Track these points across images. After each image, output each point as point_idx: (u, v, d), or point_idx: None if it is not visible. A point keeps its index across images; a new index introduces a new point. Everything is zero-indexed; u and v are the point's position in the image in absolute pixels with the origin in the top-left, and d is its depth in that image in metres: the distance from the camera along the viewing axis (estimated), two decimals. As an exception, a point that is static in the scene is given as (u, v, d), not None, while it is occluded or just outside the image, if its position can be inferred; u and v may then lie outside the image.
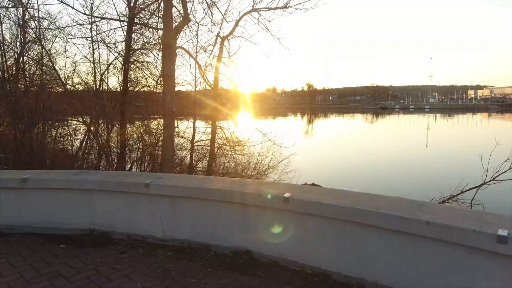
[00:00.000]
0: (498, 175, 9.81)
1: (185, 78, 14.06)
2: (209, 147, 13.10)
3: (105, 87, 13.46)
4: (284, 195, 3.12)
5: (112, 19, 11.63)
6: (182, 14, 9.43)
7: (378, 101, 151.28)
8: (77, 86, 14.36)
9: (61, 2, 10.54)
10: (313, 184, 16.04)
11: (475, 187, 10.25)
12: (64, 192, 4.14)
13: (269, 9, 11.73)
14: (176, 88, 13.66)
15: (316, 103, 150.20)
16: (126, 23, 11.64)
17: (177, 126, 12.26)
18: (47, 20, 11.49)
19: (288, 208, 3.12)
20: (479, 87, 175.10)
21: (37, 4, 11.50)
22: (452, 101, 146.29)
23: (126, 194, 3.93)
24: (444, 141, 39.30)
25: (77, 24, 11.54)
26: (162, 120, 14.43)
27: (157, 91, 13.09)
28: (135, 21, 11.85)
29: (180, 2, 9.41)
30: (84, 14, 11.10)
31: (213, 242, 3.64)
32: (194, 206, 3.68)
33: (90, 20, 11.53)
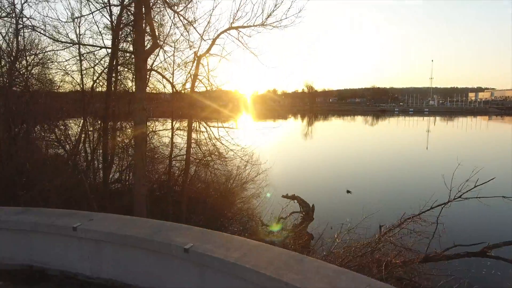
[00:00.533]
0: (462, 194, 10.18)
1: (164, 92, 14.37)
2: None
3: (93, 97, 13.91)
4: (184, 247, 3.44)
5: (96, 46, 12.22)
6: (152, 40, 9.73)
7: (378, 103, 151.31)
8: (66, 95, 14.88)
9: (46, 35, 11.00)
10: (293, 196, 16.39)
11: (441, 205, 10.61)
12: (5, 231, 4.48)
13: (246, 27, 11.98)
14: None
15: (316, 105, 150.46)
16: (110, 48, 12.20)
17: (152, 144, 12.59)
18: (40, 28, 11.90)
19: (188, 258, 3.44)
20: (480, 89, 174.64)
21: (22, 18, 11.82)
22: (452, 103, 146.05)
23: (58, 234, 4.27)
24: (435, 149, 39.42)
25: (64, 45, 12.04)
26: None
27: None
28: (116, 43, 12.31)
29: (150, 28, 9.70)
30: (69, 43, 11.64)
31: (133, 282, 3.97)
32: (117, 249, 4.01)
33: (77, 39, 12.14)
